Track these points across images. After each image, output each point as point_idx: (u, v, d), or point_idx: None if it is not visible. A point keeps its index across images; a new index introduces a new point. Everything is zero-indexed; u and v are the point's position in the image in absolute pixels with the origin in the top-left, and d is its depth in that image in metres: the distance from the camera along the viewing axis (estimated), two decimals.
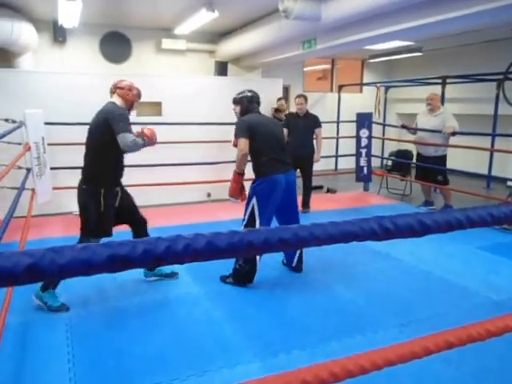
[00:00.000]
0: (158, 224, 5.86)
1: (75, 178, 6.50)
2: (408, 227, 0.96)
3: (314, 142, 6.78)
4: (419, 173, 7.24)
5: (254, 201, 3.96)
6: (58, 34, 8.14)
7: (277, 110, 7.85)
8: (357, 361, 1.17)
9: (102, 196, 3.72)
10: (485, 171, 9.00)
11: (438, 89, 9.10)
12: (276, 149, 4.08)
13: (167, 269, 4.20)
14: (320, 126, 6.74)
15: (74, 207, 6.69)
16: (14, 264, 0.73)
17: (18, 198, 4.53)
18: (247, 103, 4.20)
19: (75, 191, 6.53)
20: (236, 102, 4.27)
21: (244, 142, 3.97)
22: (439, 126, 6.55)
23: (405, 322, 3.38)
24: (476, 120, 8.94)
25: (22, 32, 7.09)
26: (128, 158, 6.70)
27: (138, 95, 3.93)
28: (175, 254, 0.88)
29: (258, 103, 4.28)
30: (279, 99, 7.93)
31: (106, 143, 3.68)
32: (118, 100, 3.85)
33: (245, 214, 4.04)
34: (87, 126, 6.37)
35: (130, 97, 3.86)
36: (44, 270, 0.75)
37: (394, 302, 3.77)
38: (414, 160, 7.47)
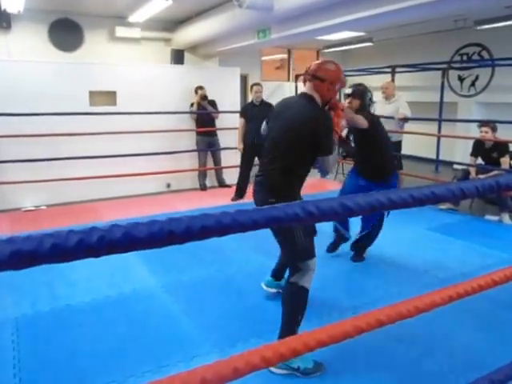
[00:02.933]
0: (114, 217, 5.74)
1: (24, 171, 6.37)
2: (331, 210, 0.94)
3: None
4: None
5: None
6: (2, 19, 7.63)
7: (204, 98, 7.53)
8: (289, 344, 1.14)
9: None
10: (433, 155, 9.23)
11: (388, 77, 9.27)
12: None
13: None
14: None
15: (23, 203, 6.54)
16: None
17: None
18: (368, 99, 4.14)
19: (24, 186, 6.37)
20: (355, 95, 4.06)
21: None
22: (393, 113, 6.72)
23: (359, 303, 3.40)
24: (423, 107, 9.15)
25: None
26: (82, 149, 6.61)
27: (342, 85, 2.89)
28: (89, 247, 0.83)
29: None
30: (201, 87, 7.50)
31: (299, 158, 2.84)
32: (315, 95, 2.80)
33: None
34: (35, 117, 6.20)
35: (330, 94, 2.81)
36: None
37: (348, 285, 3.82)
38: None
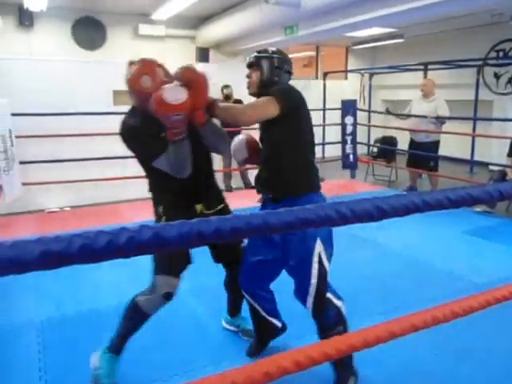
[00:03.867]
0: (139, 219, 5.76)
1: (48, 172, 6.47)
2: (365, 212, 0.94)
3: None
4: (411, 158, 7.32)
5: (318, 245, 2.40)
6: (24, 18, 7.75)
7: (227, 98, 7.51)
8: (321, 348, 1.14)
9: (163, 215, 2.55)
10: (468, 156, 9.11)
11: (420, 75, 9.17)
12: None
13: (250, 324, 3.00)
14: None
15: (47, 204, 6.64)
16: None
17: None
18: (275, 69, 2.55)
19: (48, 187, 6.45)
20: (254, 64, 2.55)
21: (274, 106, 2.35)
22: (431, 112, 6.68)
23: (391, 308, 3.38)
24: (457, 105, 9.03)
25: None
26: (105, 149, 6.66)
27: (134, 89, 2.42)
28: (118, 248, 0.84)
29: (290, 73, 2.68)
30: (226, 86, 7.57)
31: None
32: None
33: (306, 276, 2.42)
34: (60, 117, 6.30)
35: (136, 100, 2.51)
36: None
37: (380, 289, 3.79)
38: (407, 146, 7.51)
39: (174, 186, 2.48)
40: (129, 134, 2.49)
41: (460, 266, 4.23)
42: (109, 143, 6.66)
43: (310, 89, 11.49)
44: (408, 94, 9.48)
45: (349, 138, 8.21)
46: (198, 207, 2.57)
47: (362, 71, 11.44)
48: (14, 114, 5.78)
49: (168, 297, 2.49)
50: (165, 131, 2.27)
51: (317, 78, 12.03)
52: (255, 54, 2.56)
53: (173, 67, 2.30)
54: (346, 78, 12.40)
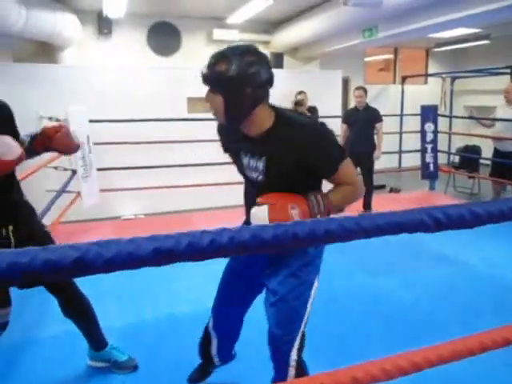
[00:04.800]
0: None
1: (124, 179, 6.69)
2: (459, 217, 0.97)
3: (375, 137, 6.69)
4: (495, 170, 7.10)
5: (316, 281, 2.28)
6: (103, 26, 8.20)
7: (297, 104, 7.59)
8: (409, 358, 1.18)
9: None
10: None
11: (507, 79, 8.87)
12: None
13: (123, 355, 2.93)
14: (381, 120, 6.65)
15: (124, 211, 6.89)
16: (61, 257, 0.78)
17: (55, 200, 4.51)
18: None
19: (124, 193, 6.66)
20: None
21: None
22: None
23: (472, 329, 3.31)
24: None
25: (66, 24, 7.08)
26: (179, 157, 6.84)
27: None
28: (220, 246, 0.92)
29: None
30: (300, 92, 7.58)
31: None
32: None
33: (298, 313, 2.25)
34: (136, 123, 6.52)
35: None
36: (90, 264, 0.80)
37: (461, 309, 3.71)
38: (490, 156, 7.29)
39: None
40: None
41: None
42: (184, 150, 6.87)
43: (387, 94, 11.40)
44: (493, 99, 9.20)
45: (429, 147, 8.05)
46: (9, 229, 2.34)
47: (444, 75, 11.19)
48: (91, 121, 5.98)
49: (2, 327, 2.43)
50: None
51: (394, 82, 11.89)
52: (211, 65, 1.82)
53: None
54: (426, 82, 12.18)
